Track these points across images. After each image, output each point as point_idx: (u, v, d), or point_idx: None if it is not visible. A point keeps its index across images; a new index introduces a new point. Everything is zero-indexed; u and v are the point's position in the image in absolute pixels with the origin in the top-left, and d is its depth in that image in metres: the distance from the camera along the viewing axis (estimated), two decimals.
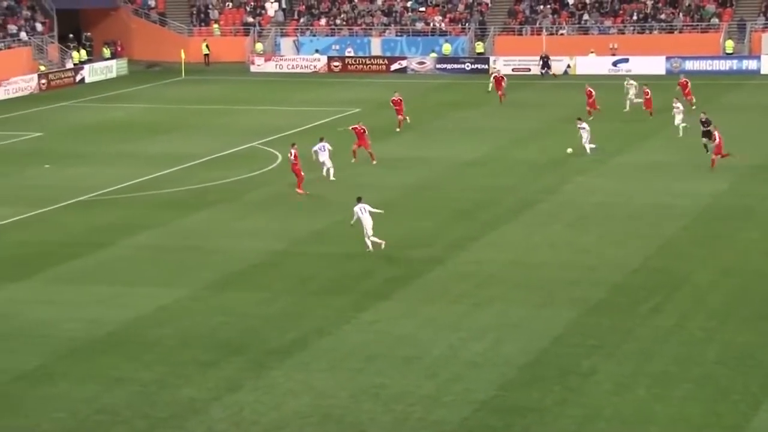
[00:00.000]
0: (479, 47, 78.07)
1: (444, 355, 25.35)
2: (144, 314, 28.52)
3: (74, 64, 77.09)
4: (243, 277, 31.65)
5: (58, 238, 36.15)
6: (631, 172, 43.93)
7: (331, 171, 43.25)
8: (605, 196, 40.24)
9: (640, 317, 27.61)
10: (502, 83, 61.24)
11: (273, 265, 32.79)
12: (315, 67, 79.57)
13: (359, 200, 33.69)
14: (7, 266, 33.11)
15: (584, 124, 47.22)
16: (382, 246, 33.22)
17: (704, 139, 44.91)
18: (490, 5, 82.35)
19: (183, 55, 77.99)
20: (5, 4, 78.74)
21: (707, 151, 44.26)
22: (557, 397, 22.97)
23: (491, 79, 63.55)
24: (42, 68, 74.43)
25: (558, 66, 74.59)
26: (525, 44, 77.50)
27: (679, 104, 50.87)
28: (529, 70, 75.01)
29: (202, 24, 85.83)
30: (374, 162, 46.05)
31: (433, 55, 78.16)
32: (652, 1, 78.42)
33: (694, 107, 54.69)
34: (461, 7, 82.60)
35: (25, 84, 71.35)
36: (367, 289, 30.44)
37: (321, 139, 43.83)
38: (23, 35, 76.63)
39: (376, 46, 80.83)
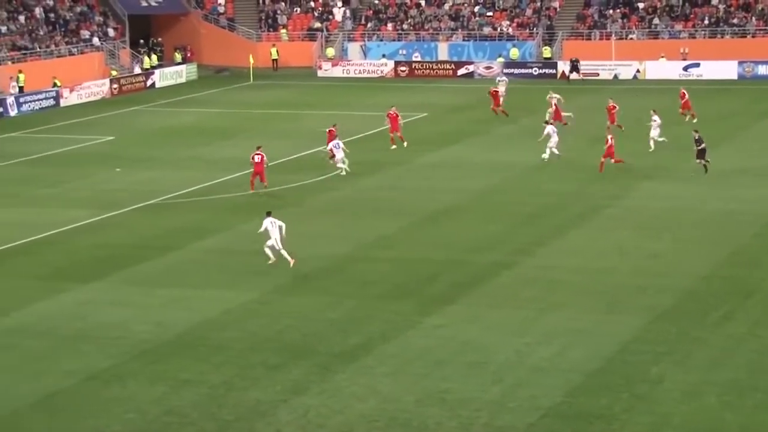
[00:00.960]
0: (547, 52, 77.67)
1: (510, 360, 25.22)
2: (211, 317, 28.76)
3: (145, 69, 78.11)
4: (308, 281, 31.78)
5: (128, 241, 36.61)
6: (701, 177, 43.36)
7: (344, 167, 44.96)
8: (674, 202, 39.78)
9: (710, 325, 27.23)
10: (499, 97, 58.88)
11: (338, 270, 32.88)
12: (382, 71, 79.75)
13: (269, 214, 33.08)
14: (79, 268, 33.60)
15: (656, 117, 47.88)
16: (291, 264, 32.20)
17: (698, 160, 43.15)
18: (558, 10, 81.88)
19: (251, 60, 78.65)
20: (78, 9, 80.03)
21: (706, 171, 43.03)
22: (625, 404, 22.73)
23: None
24: (114, 73, 75.50)
25: (627, 71, 73.98)
26: (593, 49, 76.96)
27: (656, 117, 48.58)
28: (598, 74, 74.50)
29: (270, 29, 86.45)
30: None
31: (501, 59, 77.92)
32: (724, 5, 77.41)
33: (695, 120, 53.51)
34: (529, 11, 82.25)
35: (97, 88, 72.43)
36: (432, 293, 30.40)
37: (331, 134, 46.06)
38: (96, 40, 77.84)
39: (443, 51, 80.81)
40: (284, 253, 32.62)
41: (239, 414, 22.74)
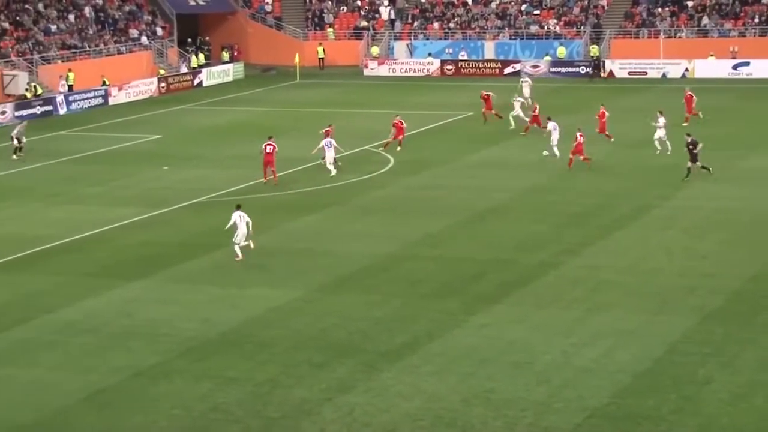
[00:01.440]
0: (594, 50, 77.16)
1: (556, 361, 25.06)
2: (256, 315, 28.85)
3: (192, 68, 78.58)
4: (354, 280, 31.78)
5: (174, 239, 36.83)
6: (751, 177, 42.88)
7: (332, 168, 44.91)
8: (723, 202, 39.36)
9: (759, 326, 26.90)
10: (490, 101, 56.93)
11: (384, 268, 32.86)
12: (428, 70, 79.64)
13: (238, 207, 33.73)
14: (126, 266, 33.85)
15: (662, 119, 47.33)
16: (238, 258, 33.23)
17: (689, 164, 42.32)
18: (606, 8, 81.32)
19: (298, 59, 78.86)
20: (127, 8, 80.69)
21: (687, 175, 42.29)
22: (673, 405, 22.51)
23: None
24: (161, 72, 76.03)
25: (675, 69, 73.36)
26: (642, 47, 76.39)
27: (662, 119, 47.63)
28: (646, 73, 73.93)
29: (317, 28, 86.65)
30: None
31: (548, 58, 77.52)
32: None
33: (686, 124, 52.46)
34: (576, 9, 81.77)
35: (146, 87, 72.97)
36: (478, 292, 30.29)
37: (327, 134, 46.02)
38: (144, 39, 78.43)
39: (489, 50, 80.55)
40: (238, 248, 33.33)
41: (284, 412, 22.79)
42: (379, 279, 31.84)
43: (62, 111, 66.25)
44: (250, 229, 33.46)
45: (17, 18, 73.15)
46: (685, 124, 51.47)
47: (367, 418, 22.43)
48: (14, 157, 51.17)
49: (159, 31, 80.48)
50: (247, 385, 24.16)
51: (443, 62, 79.67)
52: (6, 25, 72.00)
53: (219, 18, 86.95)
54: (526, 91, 61.18)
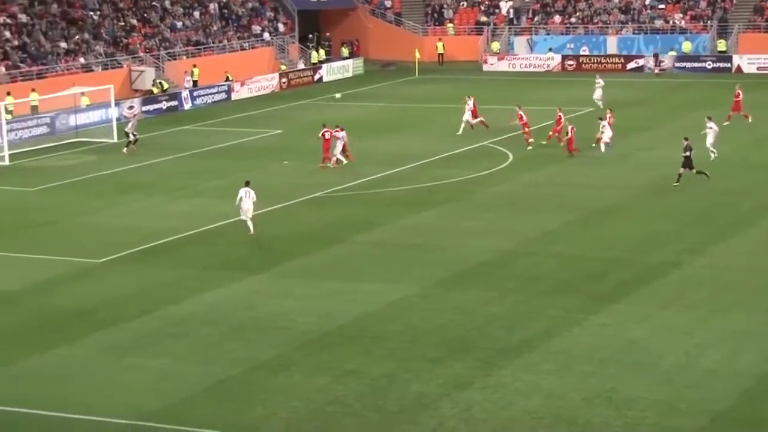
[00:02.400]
0: (721, 45, 75.44)
1: (679, 361, 24.56)
2: (373, 310, 28.94)
3: (312, 64, 79.31)
4: (471, 276, 31.65)
5: (294, 233, 37.19)
6: None
7: (339, 160, 46.47)
8: None
9: None
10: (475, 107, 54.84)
11: (502, 265, 32.65)
12: (548, 66, 78.88)
13: (247, 184, 36.14)
14: (247, 259, 34.31)
15: (712, 124, 45.23)
16: (251, 232, 35.66)
17: (683, 169, 40.72)
18: (734, 2, 79.41)
19: (417, 55, 78.91)
20: (250, 5, 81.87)
21: (678, 181, 40.66)
22: None
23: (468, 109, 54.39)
24: (283, 67, 76.92)
25: None
26: None
27: (712, 124, 45.39)
28: None
29: (437, 23, 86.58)
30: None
31: (672, 53, 76.06)
32: None
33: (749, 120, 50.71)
34: (703, 3, 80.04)
35: (267, 83, 73.89)
36: (597, 291, 29.87)
37: (341, 129, 47.17)
38: (266, 36, 79.47)
39: (611, 45, 79.38)
40: (250, 224, 35.75)
41: (402, 406, 22.80)
42: (496, 275, 31.65)
43: (187, 106, 67.53)
44: (253, 203, 35.84)
45: (144, 15, 74.87)
46: (726, 123, 49.91)
47: (484, 414, 22.31)
48: (124, 150, 52.37)
49: (281, 28, 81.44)
50: (365, 378, 24.26)
51: (564, 57, 78.80)
52: (134, 22, 73.76)
53: (339, 14, 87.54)
54: (598, 93, 60.14)
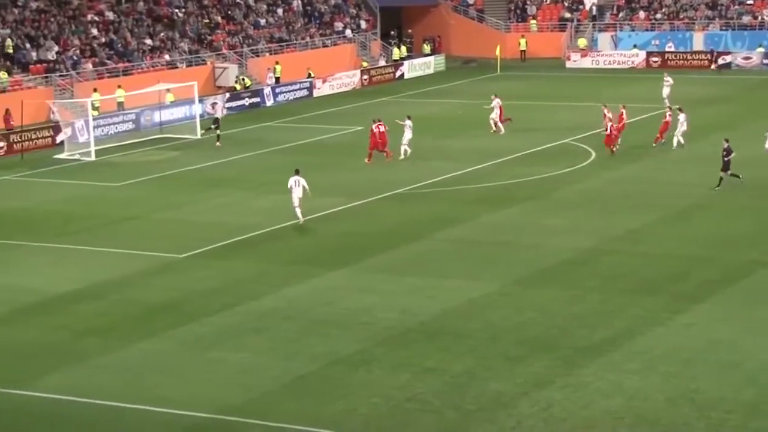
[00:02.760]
0: None
1: (765, 362, 24.08)
2: (454, 306, 28.86)
3: (394, 60, 79.37)
4: (552, 274, 31.40)
5: (375, 229, 37.25)
6: None
7: (407, 150, 47.47)
8: None
9: None
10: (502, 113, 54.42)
11: (583, 263, 32.34)
12: (633, 62, 77.93)
13: (297, 172, 37.02)
14: (327, 254, 34.45)
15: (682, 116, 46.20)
16: (300, 221, 36.55)
17: (723, 173, 39.60)
18: None
19: (499, 51, 78.52)
20: (333, 2, 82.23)
21: (719, 185, 39.51)
22: None
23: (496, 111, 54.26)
24: (364, 64, 77.10)
25: None
26: None
27: None
28: None
29: (519, 20, 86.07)
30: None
31: (761, 49, 74.61)
32: None
33: None
34: None
35: (349, 79, 74.13)
36: (681, 290, 29.43)
37: (408, 117, 48.35)
38: (348, 32, 79.74)
39: (698, 41, 78.16)
40: (298, 211, 36.62)
41: (481, 404, 22.70)
42: (577, 274, 31.35)
43: (269, 103, 68.04)
44: (307, 192, 36.68)
45: (228, 12, 75.63)
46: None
47: (564, 413, 22.11)
48: (217, 144, 53.29)
49: (363, 24, 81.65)
50: (445, 376, 24.19)
51: (649, 54, 77.79)
52: (218, 19, 74.56)
53: (422, 10, 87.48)
54: (666, 92, 59.06)
